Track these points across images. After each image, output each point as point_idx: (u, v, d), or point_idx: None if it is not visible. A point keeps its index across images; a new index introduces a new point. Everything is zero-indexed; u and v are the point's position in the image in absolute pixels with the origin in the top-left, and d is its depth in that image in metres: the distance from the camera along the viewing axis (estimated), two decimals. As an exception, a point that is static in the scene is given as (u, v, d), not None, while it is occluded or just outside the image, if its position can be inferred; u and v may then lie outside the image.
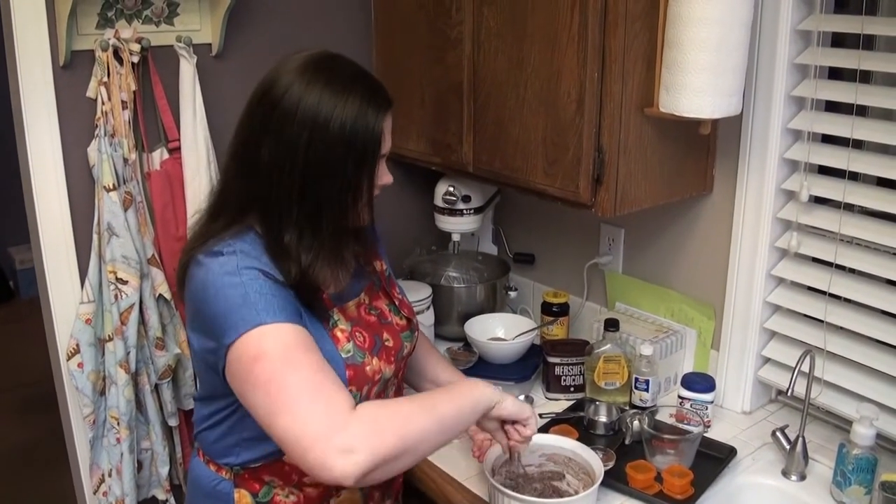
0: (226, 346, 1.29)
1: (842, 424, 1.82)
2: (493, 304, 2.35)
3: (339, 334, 1.45)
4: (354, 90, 1.35)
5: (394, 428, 1.25)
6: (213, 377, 1.38)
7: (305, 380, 1.24)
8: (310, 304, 1.40)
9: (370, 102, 1.36)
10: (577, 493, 1.57)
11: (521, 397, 1.98)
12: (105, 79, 1.88)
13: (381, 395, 1.54)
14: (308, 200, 1.36)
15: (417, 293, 2.21)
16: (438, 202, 2.29)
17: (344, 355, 1.43)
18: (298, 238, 1.38)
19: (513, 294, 2.41)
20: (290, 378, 1.24)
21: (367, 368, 1.47)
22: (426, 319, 2.21)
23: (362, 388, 1.46)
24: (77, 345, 1.94)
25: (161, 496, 2.14)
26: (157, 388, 2.06)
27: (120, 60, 1.90)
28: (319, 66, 1.37)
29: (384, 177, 1.46)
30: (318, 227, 1.38)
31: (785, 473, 1.70)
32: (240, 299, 1.29)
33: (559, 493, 1.60)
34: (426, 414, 1.31)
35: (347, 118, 1.33)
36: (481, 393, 1.43)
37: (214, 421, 1.47)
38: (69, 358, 1.94)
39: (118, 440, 1.98)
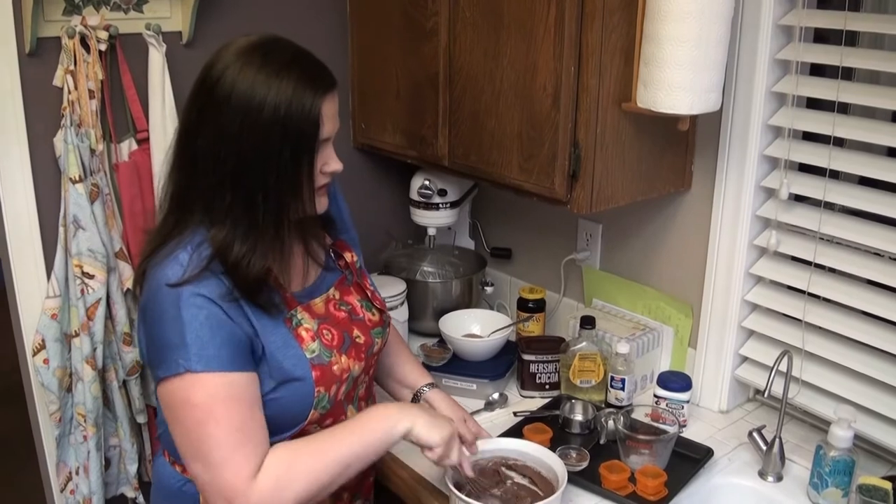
0: (157, 378, 1.31)
1: (819, 424, 1.81)
2: (468, 299, 2.32)
3: (303, 333, 1.42)
4: (290, 72, 1.29)
5: (296, 490, 1.29)
6: None
7: (224, 436, 1.27)
8: (261, 303, 1.36)
9: (307, 84, 1.30)
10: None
11: (496, 395, 1.97)
12: (72, 67, 1.83)
13: (351, 393, 1.52)
14: (243, 189, 1.30)
15: (392, 288, 2.17)
16: (414, 196, 2.25)
17: (309, 355, 1.40)
18: (233, 228, 1.32)
19: (489, 289, 2.38)
20: (209, 431, 1.27)
21: (335, 367, 1.44)
22: (400, 315, 2.17)
23: (330, 388, 1.43)
24: (43, 340, 1.89)
25: (130, 494, 2.10)
26: (124, 385, 2.02)
27: (87, 48, 1.85)
28: (256, 50, 1.31)
29: (331, 163, 1.39)
30: (254, 218, 1.32)
31: (761, 474, 1.69)
32: (177, 338, 1.28)
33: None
34: (332, 465, 1.33)
35: (281, 101, 1.28)
36: (393, 425, 1.39)
37: None
38: (35, 354, 1.90)
39: (85, 438, 1.95)
